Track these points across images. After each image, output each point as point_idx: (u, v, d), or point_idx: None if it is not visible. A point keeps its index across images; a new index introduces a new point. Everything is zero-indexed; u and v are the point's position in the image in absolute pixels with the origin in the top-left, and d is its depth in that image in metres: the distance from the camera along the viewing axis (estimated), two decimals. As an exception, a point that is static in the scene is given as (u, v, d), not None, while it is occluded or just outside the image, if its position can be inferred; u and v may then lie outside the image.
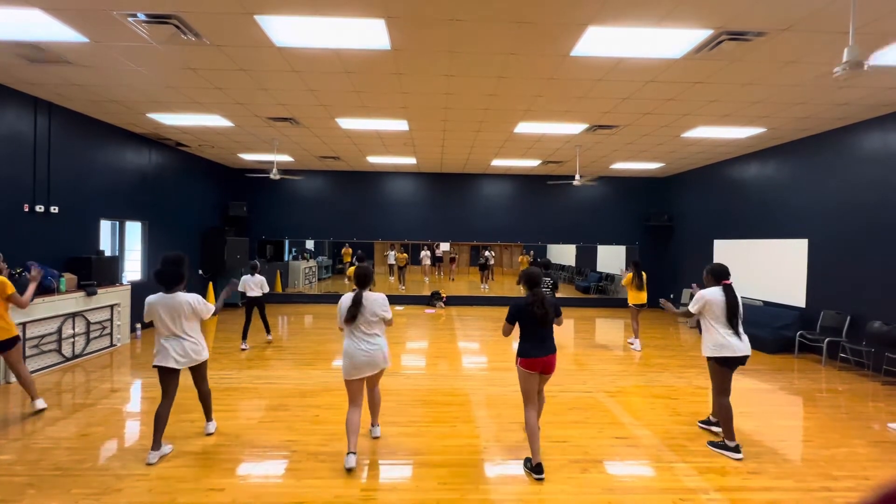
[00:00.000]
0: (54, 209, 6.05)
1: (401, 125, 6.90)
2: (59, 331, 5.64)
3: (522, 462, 3.33)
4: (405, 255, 12.86)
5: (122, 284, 6.93)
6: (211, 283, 9.65)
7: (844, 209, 6.45)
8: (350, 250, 13.97)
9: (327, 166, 10.80)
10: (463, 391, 4.97)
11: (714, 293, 3.60)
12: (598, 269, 12.86)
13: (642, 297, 7.00)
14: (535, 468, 3.15)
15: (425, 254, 13.84)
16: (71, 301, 5.83)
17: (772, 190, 7.85)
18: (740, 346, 3.52)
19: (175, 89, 5.44)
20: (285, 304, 11.07)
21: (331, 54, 4.36)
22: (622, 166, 10.02)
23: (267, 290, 6.80)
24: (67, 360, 5.76)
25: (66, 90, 5.57)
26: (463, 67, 4.63)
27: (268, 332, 7.06)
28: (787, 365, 6.33)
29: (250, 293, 6.63)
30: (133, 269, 8.04)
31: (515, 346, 3.36)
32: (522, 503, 2.88)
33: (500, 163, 9.92)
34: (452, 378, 5.45)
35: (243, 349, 6.59)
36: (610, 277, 12.40)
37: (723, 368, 3.59)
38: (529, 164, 9.94)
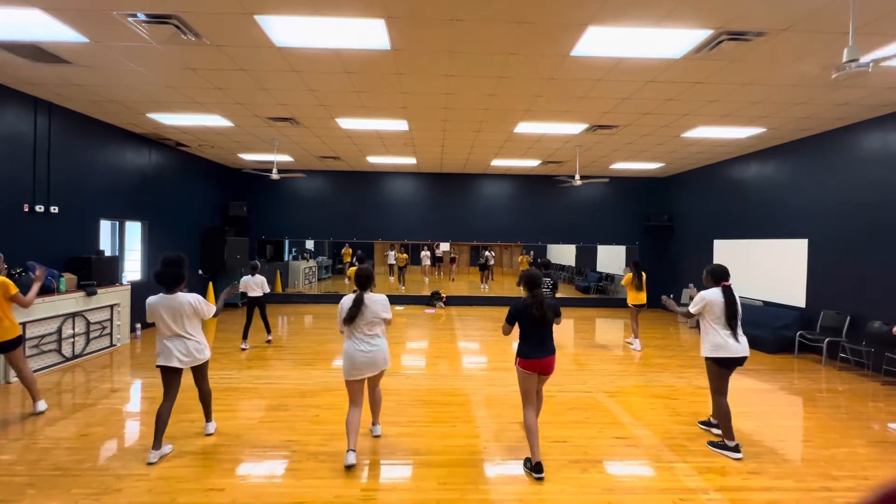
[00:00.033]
0: (54, 209, 6.05)
1: (401, 125, 6.90)
2: (59, 331, 5.64)
3: (522, 462, 3.33)
4: (405, 255, 12.86)
5: (122, 284, 6.93)
6: (211, 284, 9.66)
7: (844, 209, 6.45)
8: (350, 250, 13.97)
9: (327, 166, 10.80)
10: (463, 391, 4.97)
11: (714, 294, 3.62)
12: (598, 269, 12.86)
13: (642, 297, 7.00)
14: (534, 468, 3.15)
15: (425, 254, 13.85)
16: (71, 301, 5.83)
17: (772, 190, 7.85)
18: (738, 347, 3.54)
19: (175, 89, 5.45)
20: (285, 304, 11.07)
21: (331, 54, 4.36)
22: (622, 166, 10.02)
23: (267, 290, 6.82)
24: (67, 360, 5.76)
25: (66, 90, 5.57)
26: (463, 67, 4.63)
27: (268, 332, 7.06)
28: (787, 365, 6.33)
29: (251, 293, 6.65)
30: (133, 269, 8.03)
31: (515, 346, 3.37)
32: (522, 503, 2.88)
33: (500, 163, 9.92)
34: (452, 378, 5.45)
35: (243, 349, 6.59)
36: (610, 277, 12.40)
37: (721, 369, 3.61)
38: (529, 164, 9.94)
